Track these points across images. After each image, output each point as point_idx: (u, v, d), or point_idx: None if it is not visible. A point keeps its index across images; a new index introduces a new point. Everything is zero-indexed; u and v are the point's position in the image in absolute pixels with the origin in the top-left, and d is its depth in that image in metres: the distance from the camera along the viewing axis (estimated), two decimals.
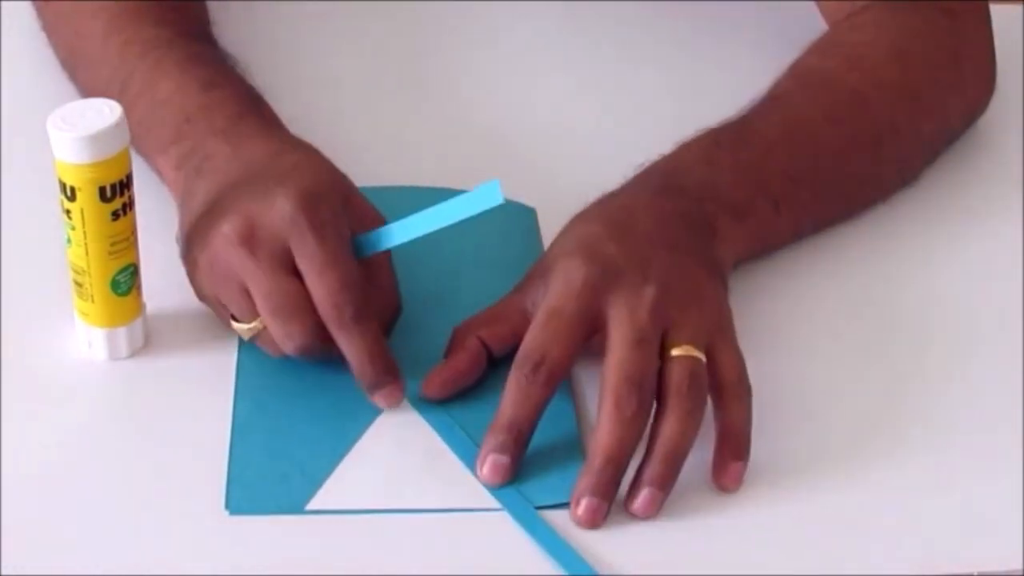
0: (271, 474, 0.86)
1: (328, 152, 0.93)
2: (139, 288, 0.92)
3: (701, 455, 0.85)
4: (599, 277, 0.87)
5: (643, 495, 0.84)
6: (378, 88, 1.15)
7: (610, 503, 0.84)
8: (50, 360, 0.92)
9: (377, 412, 0.89)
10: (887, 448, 0.89)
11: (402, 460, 0.87)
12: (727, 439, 0.86)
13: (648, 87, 1.15)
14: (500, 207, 1.02)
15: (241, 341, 0.91)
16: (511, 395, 0.85)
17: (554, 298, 0.87)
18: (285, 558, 0.82)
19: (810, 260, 1.00)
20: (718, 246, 0.93)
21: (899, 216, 1.04)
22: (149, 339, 0.93)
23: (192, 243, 0.90)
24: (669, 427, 0.84)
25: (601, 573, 0.81)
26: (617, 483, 0.84)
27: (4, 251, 0.98)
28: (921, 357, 0.95)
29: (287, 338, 0.88)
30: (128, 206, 0.89)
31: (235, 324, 0.90)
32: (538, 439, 0.86)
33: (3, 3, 1.19)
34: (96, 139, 0.86)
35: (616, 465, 0.83)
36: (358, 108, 1.12)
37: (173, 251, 0.93)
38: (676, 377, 0.85)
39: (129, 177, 0.88)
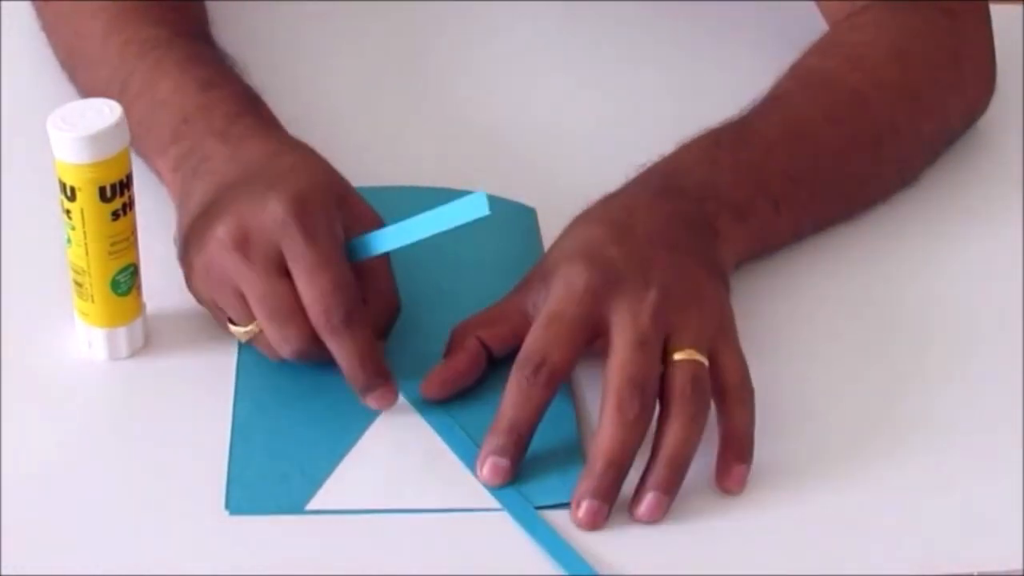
0: (271, 474, 0.86)
1: (327, 152, 0.93)
2: (139, 288, 0.92)
3: (702, 456, 0.85)
4: (601, 282, 0.87)
5: (648, 500, 0.84)
6: (378, 88, 1.15)
7: (611, 506, 0.83)
8: (50, 360, 0.92)
9: (377, 412, 0.89)
10: (887, 448, 0.89)
11: (402, 460, 0.87)
12: (730, 442, 0.86)
13: (648, 87, 1.15)
14: (500, 207, 1.02)
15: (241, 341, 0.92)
16: (512, 396, 0.85)
17: (556, 302, 0.87)
18: (285, 558, 0.82)
19: (810, 260, 1.00)
20: (719, 246, 0.93)
21: (899, 216, 1.04)
22: (149, 339, 0.93)
23: (188, 246, 0.90)
24: (673, 432, 0.84)
25: (601, 573, 0.81)
26: (618, 486, 0.84)
27: (4, 251, 0.98)
28: (921, 357, 0.95)
29: (283, 342, 0.88)
30: (128, 206, 0.89)
31: (232, 327, 0.90)
32: (538, 440, 0.86)
33: (3, 3, 1.19)
34: (96, 139, 0.86)
35: (617, 468, 0.83)
36: (358, 108, 1.12)
37: (173, 251, 0.93)
38: (679, 381, 0.85)
39: (129, 177, 0.88)
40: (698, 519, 0.84)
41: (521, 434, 0.85)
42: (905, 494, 0.86)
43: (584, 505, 0.83)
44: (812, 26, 1.09)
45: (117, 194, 0.88)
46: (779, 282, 0.98)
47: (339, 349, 0.87)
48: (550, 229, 0.96)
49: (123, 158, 0.88)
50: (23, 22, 1.14)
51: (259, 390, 0.90)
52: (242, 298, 0.88)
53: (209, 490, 0.85)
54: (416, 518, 0.84)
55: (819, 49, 1.06)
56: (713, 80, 1.14)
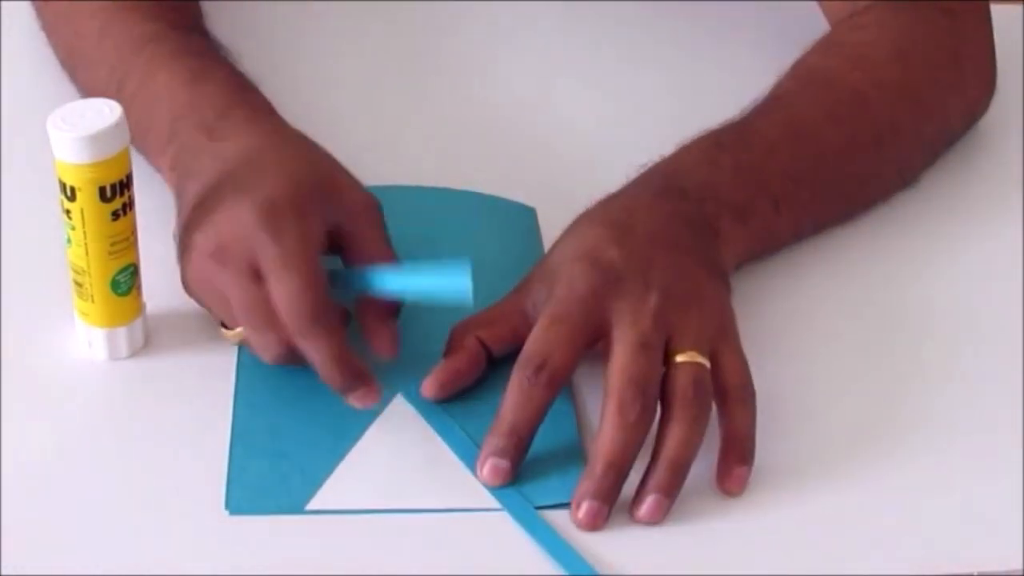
0: (271, 474, 0.86)
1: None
2: (139, 288, 0.92)
3: (702, 457, 0.85)
4: (602, 283, 0.87)
5: (649, 502, 0.84)
6: (377, 88, 1.15)
7: (611, 507, 0.83)
8: (50, 360, 0.92)
9: (377, 412, 0.89)
10: (887, 448, 0.89)
11: (402, 460, 0.87)
12: (731, 443, 0.86)
13: (648, 87, 1.15)
14: (500, 207, 1.02)
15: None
16: (512, 397, 0.85)
17: (557, 304, 0.87)
18: (285, 558, 0.82)
19: (810, 261, 1.00)
20: (720, 247, 0.93)
21: (899, 217, 1.04)
22: (149, 339, 0.93)
23: (180, 252, 0.90)
24: (674, 434, 0.84)
25: (601, 573, 0.81)
26: (619, 487, 0.84)
27: (4, 251, 0.98)
28: (921, 357, 0.95)
29: (263, 348, 0.88)
30: (128, 206, 0.89)
31: (223, 331, 0.91)
32: (539, 441, 0.86)
33: (3, 3, 1.19)
34: (96, 139, 0.86)
35: (618, 470, 0.83)
36: (357, 107, 1.12)
37: (173, 251, 0.93)
38: (680, 383, 0.85)
39: (129, 177, 0.88)
40: (698, 519, 0.84)
41: (521, 436, 0.85)
42: (905, 494, 0.86)
43: (584, 506, 0.83)
44: (812, 26, 1.09)
45: (117, 194, 0.88)
46: (779, 282, 0.98)
47: (310, 352, 0.86)
48: (550, 229, 0.96)
49: (123, 158, 0.88)
50: (23, 22, 1.14)
51: (259, 390, 0.90)
52: (228, 303, 0.88)
53: (209, 490, 0.85)
54: (416, 518, 0.84)
55: (820, 49, 1.06)
56: (713, 80, 1.14)
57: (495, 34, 1.20)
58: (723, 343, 0.88)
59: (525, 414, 0.85)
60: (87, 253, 0.89)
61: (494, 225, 1.01)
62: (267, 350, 0.88)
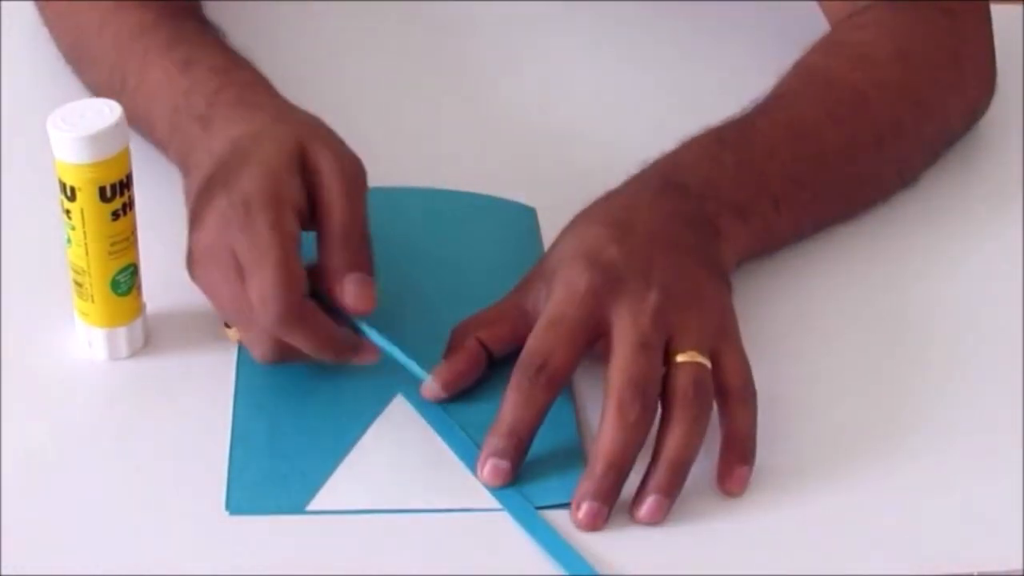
0: (271, 474, 0.86)
1: None
2: (139, 288, 0.92)
3: (703, 458, 0.85)
4: (602, 283, 0.87)
5: (649, 502, 0.84)
6: (378, 89, 1.14)
7: (611, 507, 0.83)
8: (50, 360, 0.92)
9: (377, 412, 0.89)
10: (887, 448, 0.89)
11: (402, 460, 0.87)
12: (732, 444, 0.86)
13: (648, 87, 1.15)
14: (500, 207, 1.02)
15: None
16: (513, 397, 0.85)
17: (557, 304, 0.87)
18: (285, 558, 0.82)
19: (810, 261, 1.00)
20: (720, 246, 0.93)
21: (899, 217, 1.04)
22: (149, 339, 0.93)
23: (186, 252, 0.90)
24: (675, 434, 0.84)
25: (601, 573, 0.81)
26: (619, 488, 0.84)
27: (4, 251, 0.98)
28: (921, 357, 0.95)
29: (251, 346, 0.88)
30: (128, 206, 0.89)
31: (224, 329, 0.91)
32: (539, 441, 0.85)
33: (3, 3, 1.19)
34: (96, 139, 0.86)
35: (618, 470, 0.83)
36: (358, 108, 1.12)
37: (173, 251, 0.93)
38: (681, 383, 0.85)
39: (129, 177, 0.88)
40: (699, 520, 0.84)
41: (522, 436, 0.85)
42: (905, 494, 0.86)
43: (584, 506, 0.83)
44: (812, 26, 1.09)
45: (117, 194, 0.88)
46: (779, 282, 0.98)
47: (296, 341, 0.86)
48: (550, 229, 0.96)
49: (123, 158, 0.88)
50: (23, 22, 1.15)
51: (259, 390, 0.90)
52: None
53: (209, 490, 0.85)
54: (416, 518, 0.84)
55: (821, 48, 1.06)
56: (713, 80, 1.14)
57: (495, 34, 1.20)
58: (724, 343, 0.87)
59: (525, 415, 0.85)
60: (87, 253, 0.89)
61: (494, 225, 1.01)
62: (254, 348, 0.88)
